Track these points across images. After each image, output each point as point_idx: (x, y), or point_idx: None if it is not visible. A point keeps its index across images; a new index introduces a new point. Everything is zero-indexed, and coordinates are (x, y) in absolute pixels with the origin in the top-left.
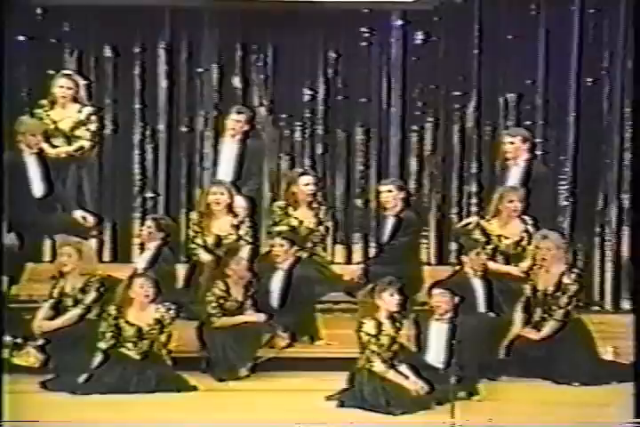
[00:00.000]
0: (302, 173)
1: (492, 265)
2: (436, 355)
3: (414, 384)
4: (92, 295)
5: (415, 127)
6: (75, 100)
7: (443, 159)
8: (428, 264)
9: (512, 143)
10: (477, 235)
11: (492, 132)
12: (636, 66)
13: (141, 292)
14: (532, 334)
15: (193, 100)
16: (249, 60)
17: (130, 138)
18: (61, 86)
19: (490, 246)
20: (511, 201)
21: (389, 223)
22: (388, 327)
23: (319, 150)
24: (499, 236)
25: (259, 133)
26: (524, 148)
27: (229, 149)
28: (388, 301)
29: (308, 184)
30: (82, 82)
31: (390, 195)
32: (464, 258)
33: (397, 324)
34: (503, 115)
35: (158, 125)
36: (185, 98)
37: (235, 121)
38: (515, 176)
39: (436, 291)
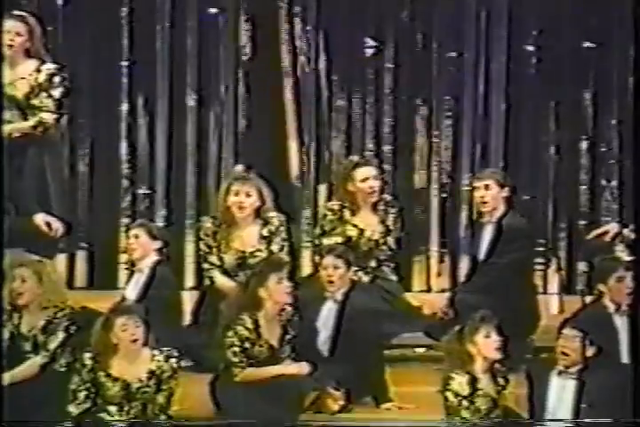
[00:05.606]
0: (362, 163)
1: None
2: (557, 425)
3: None
4: (58, 338)
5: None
6: (28, 53)
7: (556, 153)
8: (544, 293)
9: None
10: (619, 251)
11: None
12: None
13: (125, 336)
14: None
15: (205, 55)
16: None
17: (114, 109)
18: (8, 32)
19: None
20: None
21: (487, 234)
22: (486, 384)
23: (386, 129)
24: None
25: None
26: None
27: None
28: (484, 345)
29: (369, 178)
30: (39, 27)
31: (488, 193)
32: (601, 287)
33: (500, 379)
34: None
35: (155, 91)
36: (194, 51)
37: None
38: None
39: (568, 331)
